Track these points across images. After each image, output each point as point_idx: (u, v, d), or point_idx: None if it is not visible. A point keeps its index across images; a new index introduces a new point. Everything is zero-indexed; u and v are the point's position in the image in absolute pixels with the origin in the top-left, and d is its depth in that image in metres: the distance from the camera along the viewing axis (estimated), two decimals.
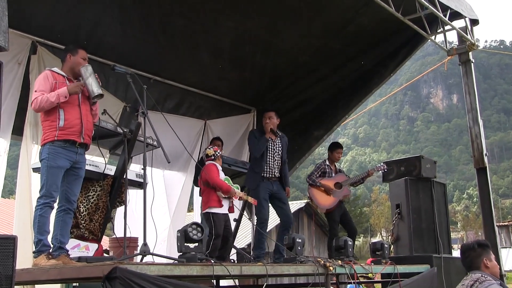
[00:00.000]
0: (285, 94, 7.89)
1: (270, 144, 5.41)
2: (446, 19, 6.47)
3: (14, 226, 5.15)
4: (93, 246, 4.32)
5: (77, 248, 4.21)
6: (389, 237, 6.46)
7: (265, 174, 5.33)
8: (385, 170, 6.47)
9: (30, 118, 5.28)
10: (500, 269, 5.31)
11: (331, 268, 4.23)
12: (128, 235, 3.82)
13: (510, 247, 25.22)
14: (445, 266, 5.70)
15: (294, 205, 18.65)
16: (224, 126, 7.78)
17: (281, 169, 5.47)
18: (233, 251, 5.62)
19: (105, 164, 4.41)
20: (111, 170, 4.47)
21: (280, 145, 5.50)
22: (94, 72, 3.88)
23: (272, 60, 7.10)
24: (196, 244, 3.71)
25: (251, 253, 5.63)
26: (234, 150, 7.74)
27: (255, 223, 5.44)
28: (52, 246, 3.67)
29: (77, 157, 3.80)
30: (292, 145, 5.92)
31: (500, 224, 26.52)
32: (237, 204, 5.44)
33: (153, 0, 5.62)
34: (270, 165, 5.36)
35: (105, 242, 6.84)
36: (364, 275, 5.01)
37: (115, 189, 4.43)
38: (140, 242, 3.61)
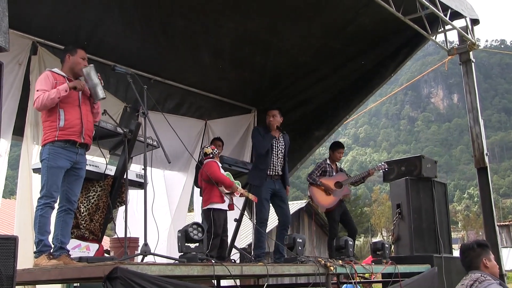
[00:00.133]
0: (285, 94, 7.89)
1: (274, 142, 5.41)
2: (447, 18, 6.46)
3: (15, 226, 5.16)
4: (94, 246, 4.32)
5: (77, 248, 4.21)
6: (390, 237, 6.47)
7: (269, 172, 5.34)
8: (386, 169, 6.48)
9: (31, 119, 5.29)
10: (501, 269, 5.33)
11: (331, 268, 4.23)
12: (128, 235, 3.82)
13: (511, 247, 25.18)
14: (445, 266, 5.70)
15: (295, 205, 18.60)
16: (225, 126, 7.78)
17: (282, 167, 5.49)
18: (234, 251, 5.62)
19: (106, 164, 4.41)
20: (111, 170, 4.47)
21: (283, 144, 5.51)
22: (97, 72, 3.88)
23: (272, 60, 7.10)
24: (197, 244, 3.71)
25: (252, 253, 5.63)
26: (234, 150, 7.74)
27: (255, 223, 5.45)
28: (53, 246, 3.67)
29: (78, 157, 3.80)
30: (293, 145, 5.91)
31: (501, 223, 26.50)
32: (238, 204, 5.44)
33: (154, 1, 5.61)
34: (274, 163, 5.37)
35: (106, 242, 6.83)
36: (361, 275, 5.00)
37: (115, 189, 4.42)
38: (141, 242, 3.61)
